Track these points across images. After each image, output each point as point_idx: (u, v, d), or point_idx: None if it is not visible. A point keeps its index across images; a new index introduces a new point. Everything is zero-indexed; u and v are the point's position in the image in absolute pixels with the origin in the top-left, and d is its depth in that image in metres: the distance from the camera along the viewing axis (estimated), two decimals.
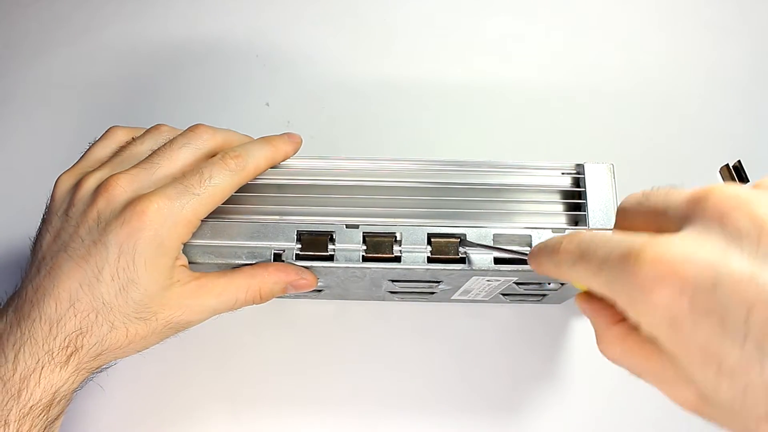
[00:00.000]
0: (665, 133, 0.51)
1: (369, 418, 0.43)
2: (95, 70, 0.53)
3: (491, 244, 0.34)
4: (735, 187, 0.20)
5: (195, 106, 0.52)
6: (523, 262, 0.33)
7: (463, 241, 0.33)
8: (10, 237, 0.48)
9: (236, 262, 0.34)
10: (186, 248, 0.33)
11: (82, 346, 0.31)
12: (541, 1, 0.56)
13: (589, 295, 0.25)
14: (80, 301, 0.30)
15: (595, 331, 0.25)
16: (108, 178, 0.32)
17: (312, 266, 0.34)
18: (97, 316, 0.30)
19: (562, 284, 0.37)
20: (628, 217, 0.24)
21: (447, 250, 0.33)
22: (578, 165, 0.36)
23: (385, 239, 0.34)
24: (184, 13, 0.55)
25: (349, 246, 0.34)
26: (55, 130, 0.51)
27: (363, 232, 0.34)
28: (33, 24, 0.55)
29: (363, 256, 0.34)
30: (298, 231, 0.34)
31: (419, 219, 0.34)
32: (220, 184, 0.32)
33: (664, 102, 0.52)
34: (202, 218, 0.32)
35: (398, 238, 0.34)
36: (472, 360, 0.44)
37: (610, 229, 0.33)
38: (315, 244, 0.34)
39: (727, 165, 0.49)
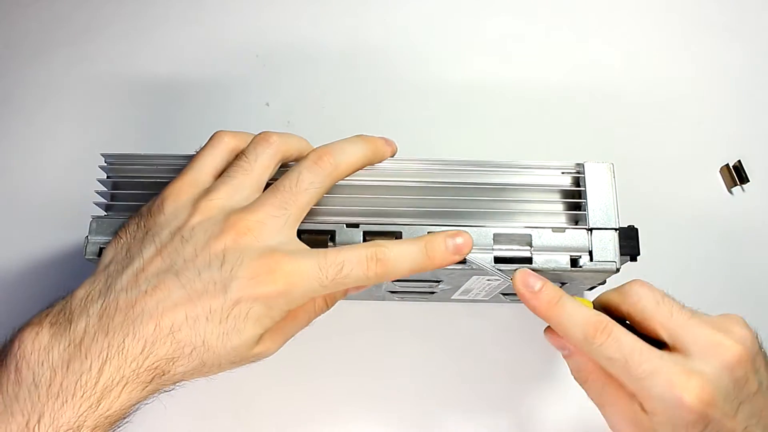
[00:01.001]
0: (665, 132, 0.51)
1: (369, 418, 0.43)
2: (95, 70, 0.53)
3: (491, 244, 0.34)
4: (748, 343, 0.30)
5: (195, 106, 0.52)
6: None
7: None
8: (10, 237, 0.48)
9: None
10: None
11: (168, 371, 0.30)
12: (541, 1, 0.56)
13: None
14: (181, 332, 0.29)
15: (572, 361, 0.34)
16: (239, 218, 0.31)
17: None
18: (192, 351, 0.30)
19: (563, 284, 0.37)
20: (646, 317, 0.32)
21: None
22: (578, 164, 0.36)
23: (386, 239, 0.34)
24: (184, 13, 0.55)
25: None
26: (55, 130, 0.51)
27: (363, 231, 0.34)
28: (33, 24, 0.55)
29: None
30: (298, 230, 0.34)
31: (419, 218, 0.34)
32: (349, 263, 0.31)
33: (664, 101, 0.52)
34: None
35: (398, 238, 0.34)
36: (472, 360, 0.44)
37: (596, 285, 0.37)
38: (315, 243, 0.33)
39: (728, 165, 0.49)
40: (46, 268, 0.47)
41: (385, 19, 0.55)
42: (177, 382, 0.31)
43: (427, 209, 0.34)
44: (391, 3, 0.56)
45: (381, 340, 0.45)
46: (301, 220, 0.32)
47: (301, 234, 0.34)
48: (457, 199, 0.35)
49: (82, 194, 0.37)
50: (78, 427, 0.28)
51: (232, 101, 0.52)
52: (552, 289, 0.32)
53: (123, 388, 0.29)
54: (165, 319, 0.29)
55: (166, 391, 0.32)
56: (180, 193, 0.32)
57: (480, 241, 0.33)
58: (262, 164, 0.33)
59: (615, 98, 0.52)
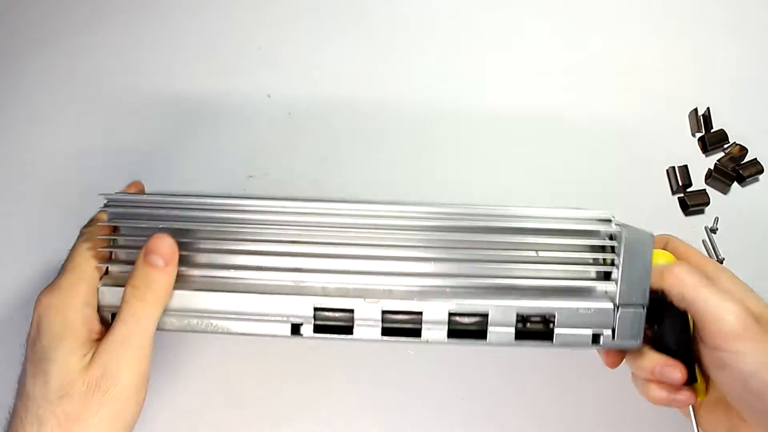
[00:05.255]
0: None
1: (371, 423, 0.45)
2: (97, 62, 0.52)
3: (514, 322, 0.32)
4: None
5: (197, 98, 0.50)
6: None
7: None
8: (11, 230, 0.47)
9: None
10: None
11: None
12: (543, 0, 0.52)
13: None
14: (16, 410, 0.31)
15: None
16: None
17: (332, 338, 0.33)
18: (26, 415, 0.30)
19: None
20: None
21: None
22: (612, 236, 0.33)
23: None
24: (186, 4, 0.53)
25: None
26: (57, 121, 0.50)
27: (381, 310, 0.32)
28: (36, 15, 0.53)
29: (383, 329, 0.32)
30: (314, 307, 0.32)
31: (440, 299, 0.33)
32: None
33: (666, 96, 0.51)
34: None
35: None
36: (475, 363, 0.45)
37: None
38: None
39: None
40: (46, 256, 0.46)
41: (388, 13, 0.53)
42: None
43: (448, 282, 0.33)
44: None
45: (381, 346, 0.45)
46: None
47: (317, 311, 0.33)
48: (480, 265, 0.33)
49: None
50: None
51: (233, 93, 0.51)
52: None
53: None
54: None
55: None
56: None
57: (503, 319, 0.32)
58: None
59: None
